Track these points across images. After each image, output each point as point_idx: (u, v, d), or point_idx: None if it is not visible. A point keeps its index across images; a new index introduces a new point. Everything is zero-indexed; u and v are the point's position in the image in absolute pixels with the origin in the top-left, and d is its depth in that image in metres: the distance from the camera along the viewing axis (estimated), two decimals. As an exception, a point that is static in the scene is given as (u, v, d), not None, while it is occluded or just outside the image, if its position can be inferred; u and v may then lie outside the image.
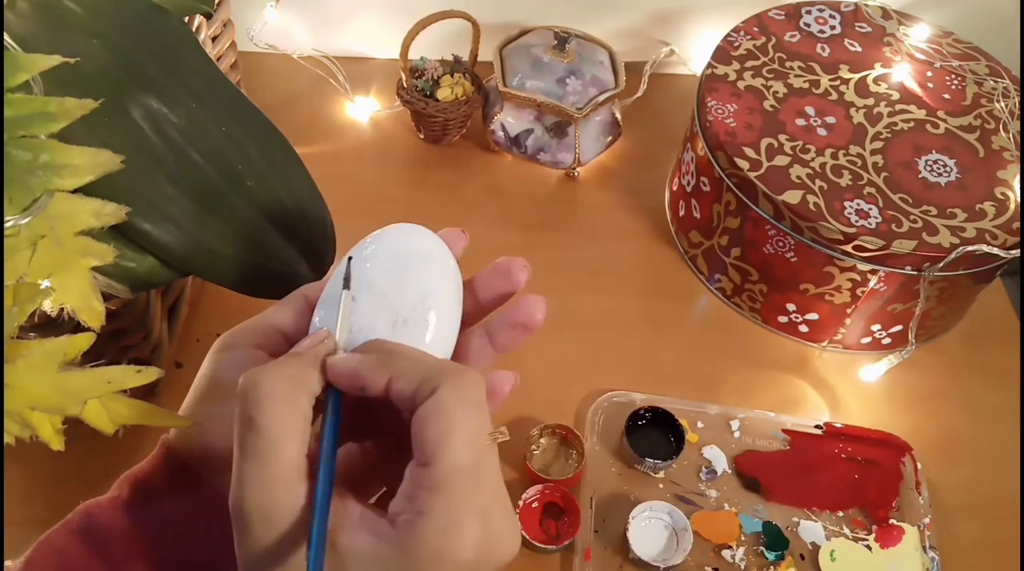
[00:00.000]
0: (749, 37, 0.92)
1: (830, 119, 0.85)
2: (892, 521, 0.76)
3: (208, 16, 0.76)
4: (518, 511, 0.73)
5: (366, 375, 0.39)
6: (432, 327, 0.43)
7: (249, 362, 0.45)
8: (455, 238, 0.47)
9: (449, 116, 0.97)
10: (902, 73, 0.90)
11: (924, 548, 0.74)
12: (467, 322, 0.47)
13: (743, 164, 0.80)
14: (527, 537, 0.71)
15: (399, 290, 0.44)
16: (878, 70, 0.90)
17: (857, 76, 0.89)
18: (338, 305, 0.43)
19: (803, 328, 0.86)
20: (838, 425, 0.80)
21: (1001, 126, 0.86)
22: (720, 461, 0.78)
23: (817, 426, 0.80)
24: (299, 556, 0.36)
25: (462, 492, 0.35)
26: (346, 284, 0.44)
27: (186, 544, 0.44)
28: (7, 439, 0.53)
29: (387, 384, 0.38)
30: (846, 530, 0.75)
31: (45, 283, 0.51)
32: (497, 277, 0.46)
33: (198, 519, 0.44)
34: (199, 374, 0.47)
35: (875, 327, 0.84)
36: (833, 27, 0.94)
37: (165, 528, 0.44)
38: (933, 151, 0.83)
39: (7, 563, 0.44)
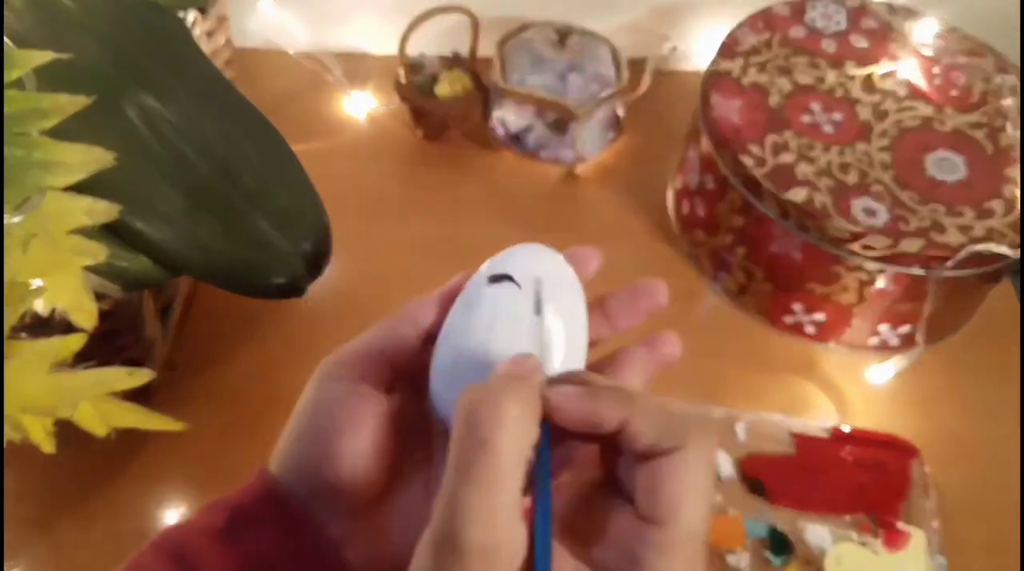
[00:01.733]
0: (754, 32, 0.91)
1: (836, 116, 0.84)
2: (899, 525, 0.75)
3: (203, 12, 0.76)
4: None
5: (605, 414, 0.36)
6: (576, 344, 0.43)
7: (355, 398, 0.44)
8: (588, 257, 0.46)
9: (448, 113, 0.96)
10: (909, 69, 0.89)
11: (932, 552, 0.73)
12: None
13: (748, 161, 0.79)
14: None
15: (549, 308, 0.43)
16: (884, 66, 0.89)
17: (863, 72, 0.88)
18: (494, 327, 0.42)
19: (809, 328, 0.86)
20: (845, 428, 0.79)
21: (1009, 123, 0.85)
22: (725, 465, 0.77)
23: (824, 429, 0.79)
24: None
25: (689, 558, 0.34)
26: (537, 309, 0.42)
27: None
28: (-2, 441, 0.52)
29: (622, 424, 0.35)
30: (852, 534, 0.74)
31: (37, 282, 0.50)
32: (640, 297, 0.46)
33: (296, 558, 0.43)
34: (302, 407, 0.45)
35: (883, 327, 0.83)
36: (839, 22, 0.93)
37: (261, 563, 0.43)
38: (940, 148, 0.82)
39: None
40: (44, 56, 0.48)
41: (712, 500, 0.35)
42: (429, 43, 0.98)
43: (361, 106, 1.04)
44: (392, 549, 0.44)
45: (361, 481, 0.44)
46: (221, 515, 0.43)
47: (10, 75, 0.47)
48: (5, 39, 0.51)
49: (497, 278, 0.43)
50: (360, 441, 0.43)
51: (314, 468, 0.43)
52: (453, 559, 0.33)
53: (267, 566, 0.43)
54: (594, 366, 0.45)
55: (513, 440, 0.34)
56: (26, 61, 0.48)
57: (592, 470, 0.40)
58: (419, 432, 0.46)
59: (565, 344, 0.43)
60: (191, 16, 0.75)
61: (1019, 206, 0.78)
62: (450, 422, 0.42)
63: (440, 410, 0.44)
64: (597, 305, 0.46)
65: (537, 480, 0.36)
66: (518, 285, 0.43)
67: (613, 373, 0.45)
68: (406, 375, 0.47)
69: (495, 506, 0.33)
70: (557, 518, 0.38)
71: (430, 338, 0.45)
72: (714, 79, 0.87)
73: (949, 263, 0.75)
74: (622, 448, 0.36)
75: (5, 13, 0.54)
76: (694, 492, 0.34)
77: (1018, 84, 0.88)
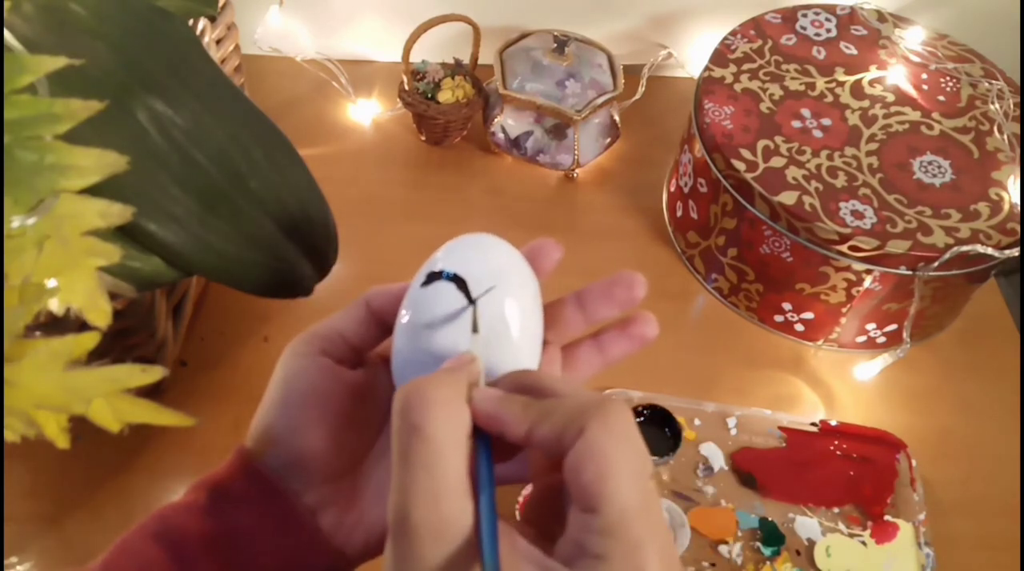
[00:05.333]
0: (746, 40, 0.93)
1: (826, 121, 0.86)
2: (887, 517, 0.76)
3: (212, 19, 0.77)
4: (517, 508, 0.73)
5: (506, 422, 0.37)
6: (520, 336, 0.43)
7: (317, 370, 0.46)
8: (549, 250, 0.47)
9: (450, 118, 0.98)
10: (897, 75, 0.91)
11: (919, 544, 0.75)
12: (569, 333, 0.47)
13: (740, 165, 0.81)
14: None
15: (487, 302, 0.43)
16: (873, 72, 0.91)
17: (853, 78, 0.90)
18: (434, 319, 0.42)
19: (799, 327, 0.87)
20: (833, 423, 0.81)
21: (996, 128, 0.86)
22: (717, 458, 0.79)
23: (813, 424, 0.81)
24: None
25: (637, 532, 0.33)
26: (475, 327, 0.42)
27: (260, 551, 0.44)
28: (13, 437, 0.53)
29: (527, 433, 0.36)
30: (841, 526, 0.76)
31: (51, 282, 0.51)
32: (618, 288, 0.46)
33: (272, 527, 0.45)
34: (271, 383, 0.47)
35: (870, 326, 0.85)
36: (829, 30, 0.95)
37: (240, 534, 0.44)
38: (928, 152, 0.84)
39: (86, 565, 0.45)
40: (56, 62, 0.48)
41: (644, 467, 0.35)
42: (432, 51, 0.99)
43: (366, 112, 1.06)
44: (365, 518, 0.47)
45: (329, 449, 0.46)
46: (202, 493, 0.46)
47: (22, 80, 0.48)
48: (17, 44, 0.52)
49: (431, 278, 0.43)
50: (323, 410, 0.46)
51: (285, 438, 0.46)
52: (406, 540, 0.34)
53: (247, 537, 0.45)
54: (571, 347, 0.47)
55: (445, 423, 0.35)
56: (38, 67, 0.48)
57: (552, 474, 0.40)
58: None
59: (506, 334, 0.43)
60: (201, 24, 0.77)
61: (1006, 208, 0.80)
62: None
63: None
64: (574, 297, 0.47)
65: (478, 467, 0.36)
66: (454, 282, 0.43)
67: (593, 353, 0.47)
68: (377, 356, 0.49)
69: (438, 487, 0.34)
70: (523, 518, 0.39)
71: (384, 325, 0.47)
72: (707, 85, 0.89)
73: (935, 264, 0.76)
74: (547, 455, 0.37)
75: (16, 20, 0.55)
76: (612, 468, 0.34)
77: (1005, 89, 0.89)
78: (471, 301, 0.42)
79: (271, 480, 0.45)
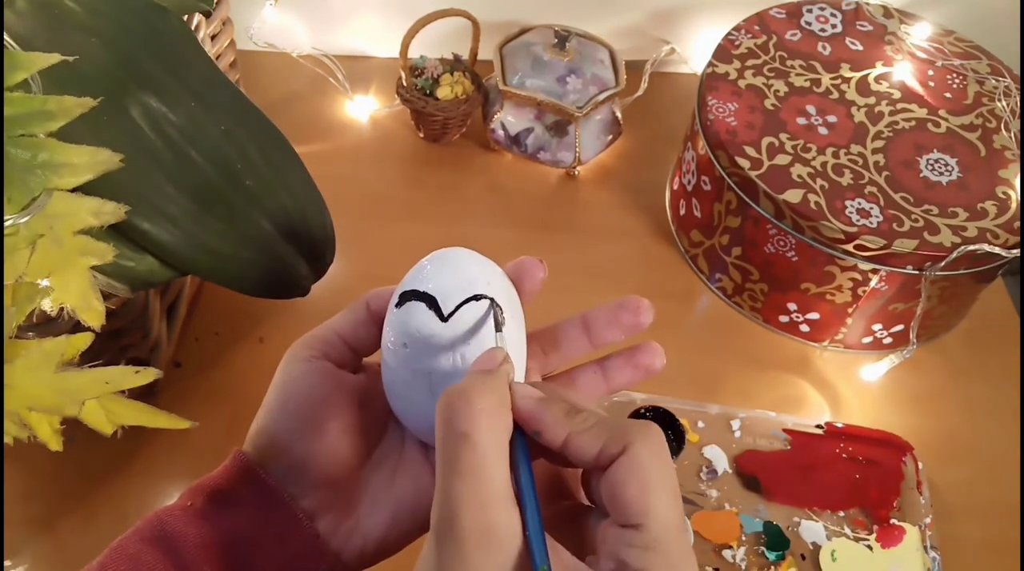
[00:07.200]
0: (750, 36, 0.92)
1: (831, 118, 0.85)
2: (893, 521, 0.75)
3: (207, 14, 0.76)
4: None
5: (545, 423, 0.38)
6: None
7: (318, 374, 0.46)
8: (533, 269, 0.47)
9: (449, 115, 0.97)
10: (903, 72, 0.90)
11: (925, 548, 0.74)
12: (572, 355, 0.47)
13: (744, 163, 0.80)
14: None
15: (452, 327, 0.43)
16: (879, 69, 0.90)
17: (858, 75, 0.89)
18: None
19: (804, 328, 0.86)
20: (839, 425, 0.80)
21: (1002, 125, 0.86)
22: (721, 461, 0.78)
23: (818, 426, 0.80)
24: None
25: (678, 549, 0.35)
26: (498, 327, 0.42)
27: (259, 557, 0.44)
28: (5, 439, 0.53)
29: (567, 438, 0.37)
30: (847, 530, 0.75)
31: (44, 282, 0.50)
32: (625, 312, 0.46)
33: (272, 533, 0.45)
34: (272, 386, 0.47)
35: (876, 327, 0.84)
36: (834, 25, 0.94)
37: (238, 539, 0.44)
38: (934, 150, 0.83)
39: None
40: (50, 58, 0.48)
41: (676, 488, 0.36)
42: (430, 46, 0.98)
43: (363, 108, 1.05)
44: (362, 524, 0.46)
45: (329, 453, 0.46)
46: (200, 497, 0.45)
47: (16, 77, 0.48)
48: (11, 41, 0.51)
49: (404, 298, 0.44)
50: (324, 414, 0.46)
51: (285, 443, 0.45)
52: (453, 546, 0.34)
53: (244, 541, 0.44)
54: (574, 372, 0.47)
55: (489, 430, 0.35)
56: (31, 63, 0.48)
57: (575, 493, 0.43)
58: (391, 416, 0.48)
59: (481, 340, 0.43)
60: (196, 19, 0.76)
61: (1013, 207, 0.79)
62: (403, 421, 0.46)
63: (393, 410, 0.47)
64: (579, 319, 0.47)
65: (518, 469, 0.37)
66: (423, 300, 0.43)
67: (597, 379, 0.47)
68: (376, 362, 0.49)
69: (486, 493, 0.34)
70: (550, 536, 0.39)
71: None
72: (711, 82, 0.88)
73: (942, 263, 0.76)
74: (576, 463, 0.38)
75: (10, 16, 0.55)
76: (655, 485, 0.35)
77: (1012, 86, 0.88)
78: (444, 319, 0.43)
79: (270, 485, 0.45)
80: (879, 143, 0.83)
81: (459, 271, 0.44)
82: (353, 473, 0.47)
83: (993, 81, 0.89)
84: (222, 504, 0.45)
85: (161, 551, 0.43)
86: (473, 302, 0.43)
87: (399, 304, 0.44)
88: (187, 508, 0.45)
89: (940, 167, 0.82)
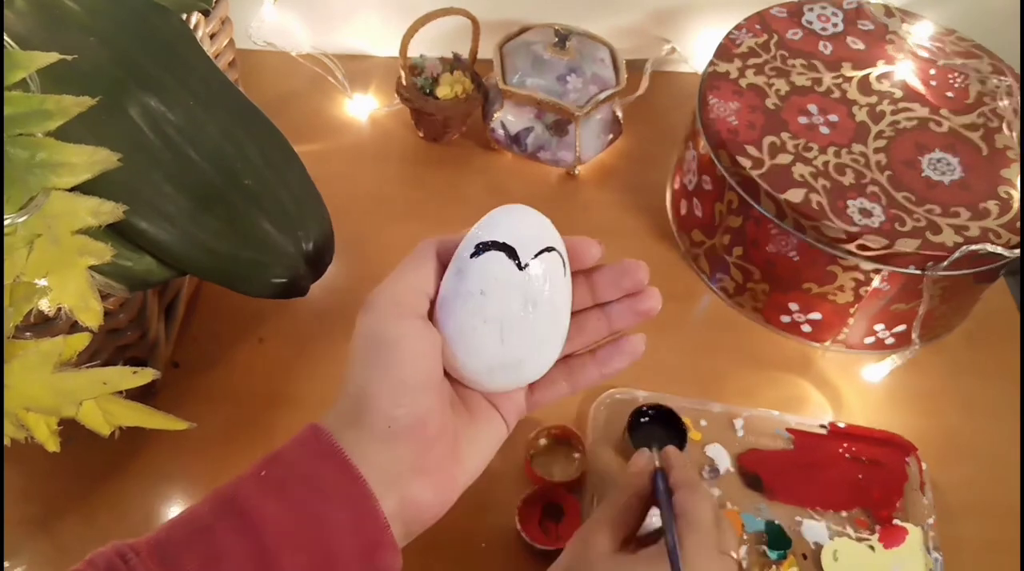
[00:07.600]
0: (751, 35, 0.92)
1: (833, 117, 0.84)
2: (896, 521, 0.75)
3: (206, 13, 0.76)
4: (517, 511, 0.72)
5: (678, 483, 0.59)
6: (554, 310, 0.48)
7: (426, 330, 0.47)
8: (589, 246, 0.52)
9: (449, 114, 0.97)
10: (905, 71, 0.89)
11: (928, 549, 0.74)
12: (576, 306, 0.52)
13: (745, 162, 0.80)
14: (527, 538, 0.71)
15: (527, 276, 0.47)
16: (881, 68, 0.90)
17: (860, 74, 0.89)
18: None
19: (806, 328, 0.86)
20: (842, 425, 0.80)
21: (1004, 124, 0.85)
22: (723, 460, 0.78)
23: (822, 425, 0.80)
24: None
25: (708, 539, 0.54)
26: (668, 500, 0.57)
27: (339, 545, 0.45)
28: (4, 440, 0.52)
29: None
30: (849, 530, 0.75)
31: (42, 282, 0.50)
32: (624, 276, 0.52)
33: (345, 515, 0.45)
34: (364, 356, 0.47)
35: (878, 327, 0.84)
36: (836, 24, 0.93)
37: (324, 524, 0.45)
38: (936, 149, 0.83)
39: None
40: (48, 58, 0.48)
41: (715, 506, 0.56)
42: (430, 45, 0.98)
43: (363, 107, 1.04)
44: (457, 483, 0.50)
45: (436, 410, 0.47)
46: (271, 467, 0.46)
47: (14, 76, 0.47)
48: (9, 40, 0.51)
49: (483, 248, 0.47)
50: (437, 371, 0.48)
51: (390, 408, 0.46)
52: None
53: (330, 528, 0.45)
54: (575, 316, 0.52)
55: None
56: (30, 62, 0.48)
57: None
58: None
59: (550, 301, 0.47)
60: (194, 18, 0.76)
61: (1015, 207, 0.78)
62: (462, 371, 0.49)
63: (452, 361, 0.48)
64: (585, 275, 0.53)
65: (662, 506, 0.56)
66: (503, 250, 0.46)
67: (601, 323, 0.54)
68: None
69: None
70: (611, 518, 0.58)
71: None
72: (712, 81, 0.87)
73: (944, 263, 0.75)
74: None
75: (9, 15, 0.54)
76: (703, 503, 0.56)
77: (1014, 85, 0.88)
78: (521, 268, 0.47)
79: (356, 473, 0.45)
80: (881, 142, 0.83)
81: (531, 225, 0.48)
82: (450, 433, 0.49)
83: (995, 80, 0.89)
84: (311, 490, 0.45)
85: (238, 532, 0.43)
86: (546, 254, 0.47)
87: (475, 253, 0.47)
88: (260, 479, 0.45)
89: (942, 166, 0.81)
